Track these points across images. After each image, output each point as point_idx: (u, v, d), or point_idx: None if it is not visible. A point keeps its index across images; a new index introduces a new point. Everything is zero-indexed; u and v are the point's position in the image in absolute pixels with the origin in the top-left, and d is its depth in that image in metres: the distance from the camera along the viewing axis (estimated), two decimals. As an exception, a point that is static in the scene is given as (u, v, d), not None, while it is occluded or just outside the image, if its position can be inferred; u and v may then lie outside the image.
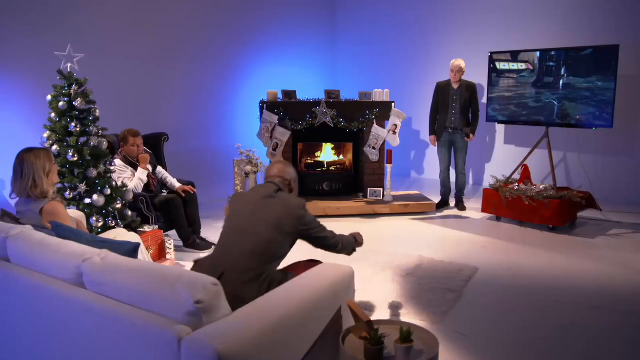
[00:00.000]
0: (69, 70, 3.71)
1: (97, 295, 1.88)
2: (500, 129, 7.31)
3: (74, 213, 3.26)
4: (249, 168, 5.75)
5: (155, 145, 5.01)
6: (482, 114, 5.97)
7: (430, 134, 6.09)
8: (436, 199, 6.23)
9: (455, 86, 5.79)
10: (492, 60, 5.86)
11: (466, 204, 6.12)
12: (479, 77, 6.59)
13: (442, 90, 5.91)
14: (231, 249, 2.40)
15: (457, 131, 5.80)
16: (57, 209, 2.73)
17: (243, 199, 2.60)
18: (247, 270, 2.31)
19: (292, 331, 1.83)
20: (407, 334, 1.94)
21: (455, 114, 5.77)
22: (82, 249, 2.07)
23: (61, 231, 2.39)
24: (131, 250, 2.23)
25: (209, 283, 1.69)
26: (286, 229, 2.43)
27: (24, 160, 2.73)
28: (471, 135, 5.80)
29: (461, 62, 5.75)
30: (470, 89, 5.78)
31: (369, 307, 3.32)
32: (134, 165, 4.41)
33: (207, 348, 1.51)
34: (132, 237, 3.16)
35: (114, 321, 1.78)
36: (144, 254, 3.18)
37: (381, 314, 3.25)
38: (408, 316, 3.19)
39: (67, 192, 3.60)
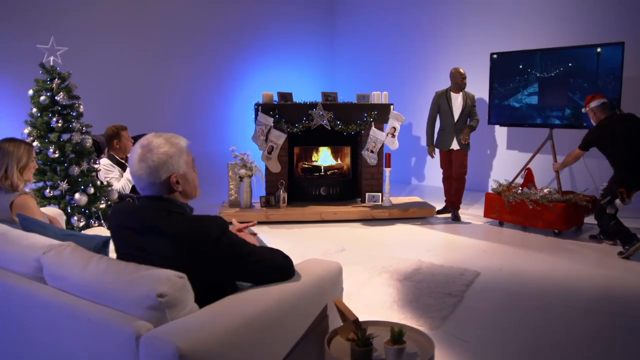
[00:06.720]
0: (51, 63, 3.56)
1: (54, 290, 1.71)
2: (502, 132, 7.14)
3: (50, 211, 3.09)
4: (243, 172, 5.58)
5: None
6: (483, 117, 5.73)
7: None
8: (438, 205, 6.02)
9: None
10: (493, 61, 5.71)
11: (468, 210, 5.82)
12: (480, 78, 6.43)
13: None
14: None
15: None
16: (28, 203, 2.57)
17: None
18: None
19: (268, 330, 1.65)
20: (398, 334, 1.75)
21: None
22: (44, 241, 1.89)
23: (28, 224, 2.21)
24: (100, 245, 2.04)
25: (174, 276, 1.52)
26: None
27: (1, 148, 2.67)
28: None
29: None
30: None
31: (363, 312, 3.12)
32: (121, 165, 4.25)
33: (167, 345, 1.33)
34: (111, 235, 2.98)
35: (71, 317, 1.60)
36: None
37: (375, 318, 3.05)
38: (405, 321, 2.98)
39: (47, 191, 3.44)
